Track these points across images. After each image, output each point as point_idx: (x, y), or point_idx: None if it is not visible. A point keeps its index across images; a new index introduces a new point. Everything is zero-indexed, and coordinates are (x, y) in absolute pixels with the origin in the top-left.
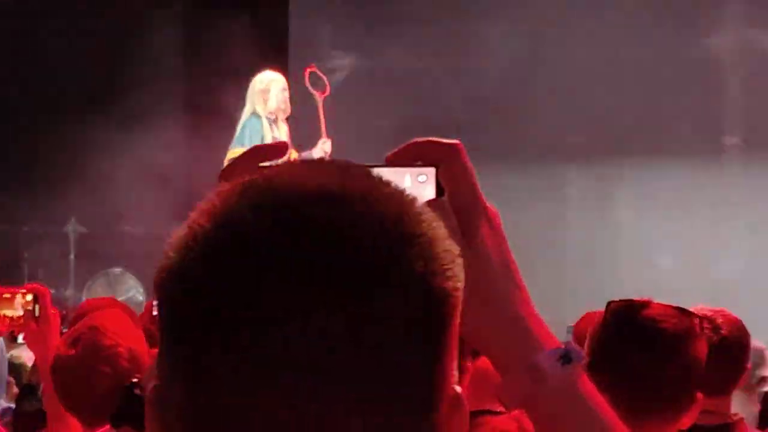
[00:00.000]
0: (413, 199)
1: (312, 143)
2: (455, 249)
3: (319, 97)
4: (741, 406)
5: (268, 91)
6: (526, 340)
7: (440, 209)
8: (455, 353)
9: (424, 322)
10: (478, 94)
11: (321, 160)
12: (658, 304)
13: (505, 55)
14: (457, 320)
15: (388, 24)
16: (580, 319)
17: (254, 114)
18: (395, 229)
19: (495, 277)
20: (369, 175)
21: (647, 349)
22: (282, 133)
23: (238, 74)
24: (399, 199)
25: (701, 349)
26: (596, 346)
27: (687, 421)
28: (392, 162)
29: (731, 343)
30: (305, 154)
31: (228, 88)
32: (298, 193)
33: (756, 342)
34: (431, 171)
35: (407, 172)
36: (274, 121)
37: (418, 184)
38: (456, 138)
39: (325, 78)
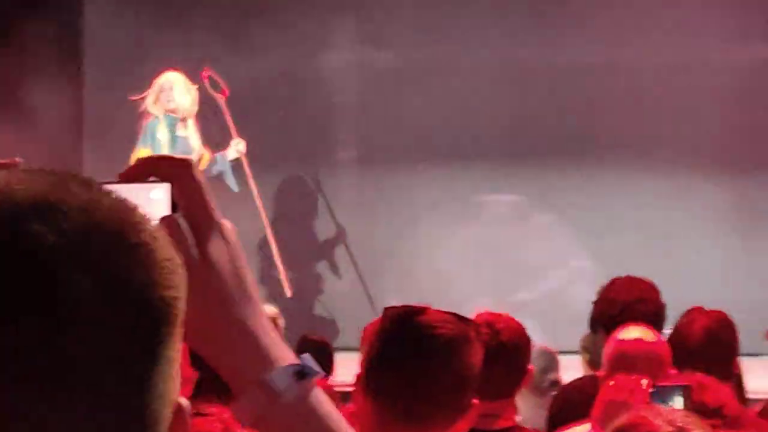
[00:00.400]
0: (134, 209)
1: (223, 145)
2: (177, 260)
3: (220, 100)
4: (533, 410)
5: (148, 93)
6: (257, 357)
7: (173, 225)
8: (177, 364)
9: (140, 332)
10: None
11: (42, 170)
12: (435, 310)
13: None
14: (180, 330)
15: (189, 23)
16: (366, 328)
17: (155, 116)
18: (113, 239)
19: (226, 292)
20: (89, 185)
21: (422, 355)
22: (190, 132)
23: (36, 73)
24: (118, 209)
25: (476, 354)
26: (374, 352)
27: (464, 425)
28: (125, 179)
29: (510, 347)
30: (219, 155)
31: (26, 87)
32: (11, 204)
33: (546, 346)
34: (166, 187)
35: (141, 189)
36: (181, 120)
37: (152, 200)
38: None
39: (221, 81)
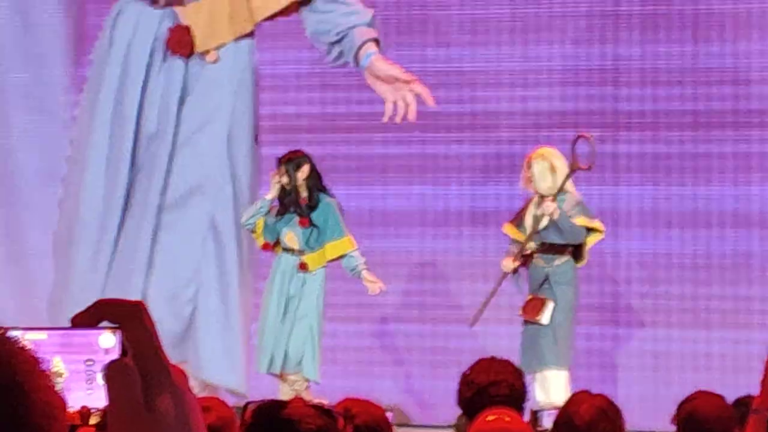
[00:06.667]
0: (11, 349)
1: None
2: (59, 401)
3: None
4: None
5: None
6: None
7: (122, 370)
8: None
9: None
10: None
11: None
12: (297, 404)
13: None
14: None
15: None
16: None
17: None
18: None
19: None
20: None
21: None
22: None
23: None
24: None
25: None
26: None
27: None
28: (76, 323)
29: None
30: None
31: None
32: None
33: None
34: (117, 332)
35: (91, 334)
36: None
37: (101, 346)
38: None
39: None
